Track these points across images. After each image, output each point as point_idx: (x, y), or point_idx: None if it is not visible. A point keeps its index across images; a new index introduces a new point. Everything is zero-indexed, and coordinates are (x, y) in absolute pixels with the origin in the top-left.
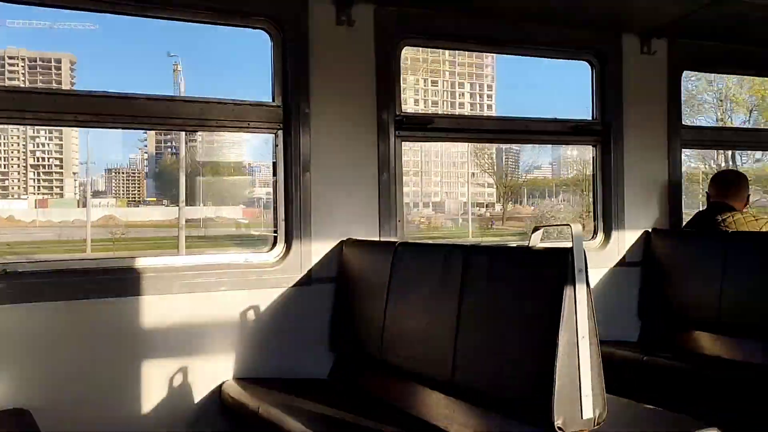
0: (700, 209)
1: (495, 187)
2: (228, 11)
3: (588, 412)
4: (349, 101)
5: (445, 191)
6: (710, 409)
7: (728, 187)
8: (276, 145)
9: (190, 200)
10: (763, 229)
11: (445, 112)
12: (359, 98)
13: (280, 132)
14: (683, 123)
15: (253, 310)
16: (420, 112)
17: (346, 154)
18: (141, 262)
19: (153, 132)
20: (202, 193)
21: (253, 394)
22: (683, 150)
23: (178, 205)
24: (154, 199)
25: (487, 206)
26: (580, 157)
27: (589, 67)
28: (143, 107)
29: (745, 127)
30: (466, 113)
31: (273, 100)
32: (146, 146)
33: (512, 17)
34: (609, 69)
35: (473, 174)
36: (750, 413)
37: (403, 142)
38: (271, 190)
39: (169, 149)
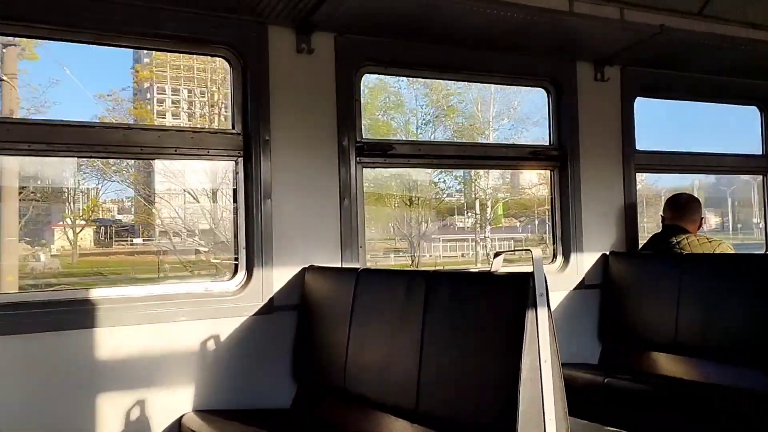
0: (656, 232)
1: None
2: (188, 39)
3: None
4: (309, 128)
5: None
6: (670, 429)
7: (682, 210)
8: (236, 173)
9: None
10: (716, 251)
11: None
12: (320, 125)
13: (240, 159)
14: (637, 148)
15: (214, 340)
16: (380, 138)
17: (308, 180)
18: (97, 294)
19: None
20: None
21: (214, 426)
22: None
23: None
24: None
25: None
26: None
27: (546, 93)
28: (99, 135)
29: (696, 151)
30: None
31: (233, 128)
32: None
33: (470, 45)
34: (565, 95)
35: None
36: None
37: (364, 169)
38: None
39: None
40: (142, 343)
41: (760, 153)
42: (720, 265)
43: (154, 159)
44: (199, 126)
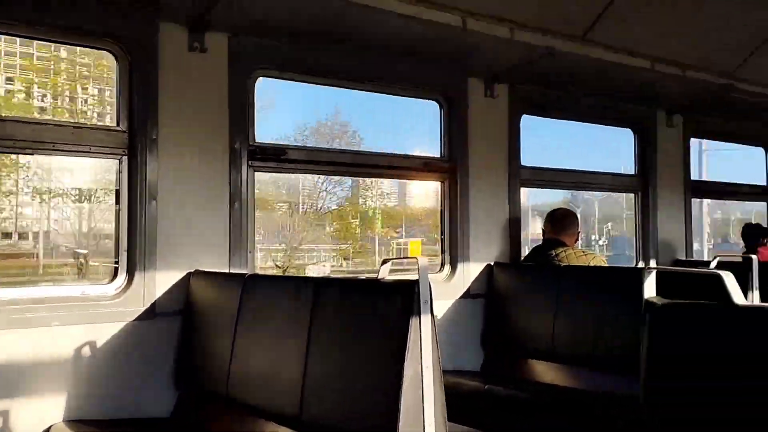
0: (538, 244)
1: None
2: (72, 30)
3: None
4: (200, 129)
5: None
6: None
7: (560, 224)
8: (120, 172)
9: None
10: (591, 264)
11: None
12: (211, 126)
13: (125, 158)
14: (522, 163)
15: (89, 346)
16: (274, 142)
17: (197, 182)
18: None
19: None
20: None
21: None
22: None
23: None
24: None
25: None
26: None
27: (438, 106)
28: None
29: (577, 169)
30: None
31: (118, 124)
32: None
33: (367, 55)
34: (456, 110)
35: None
36: None
37: (256, 173)
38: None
39: None
40: (9, 349)
41: (634, 173)
42: (594, 277)
43: (29, 154)
44: (81, 121)
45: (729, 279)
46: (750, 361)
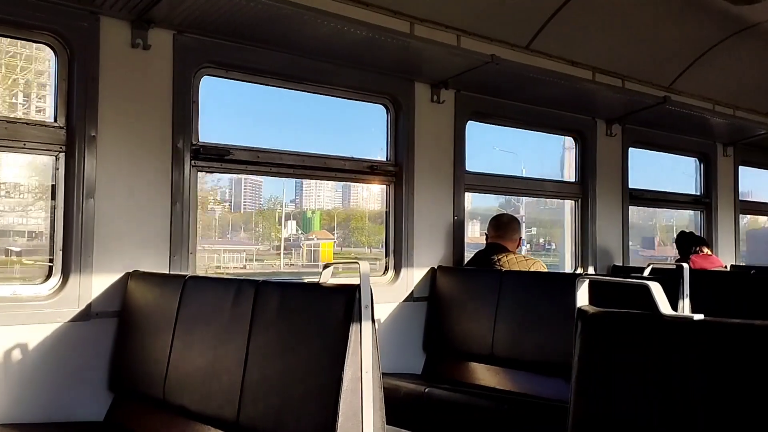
0: (481, 249)
1: None
2: (8, 21)
3: None
4: (142, 127)
5: None
6: None
7: (503, 229)
8: (56, 168)
9: None
10: (531, 269)
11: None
12: (153, 125)
13: (62, 155)
14: (467, 169)
15: (20, 348)
16: (218, 142)
17: (137, 181)
18: None
19: None
20: None
21: None
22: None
23: None
24: None
25: None
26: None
27: (385, 110)
28: None
29: (519, 175)
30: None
31: (55, 120)
32: None
33: (315, 57)
34: (402, 114)
35: None
36: None
37: (199, 173)
38: None
39: None
40: None
41: (575, 180)
42: (532, 283)
43: None
44: (13, 116)
45: (656, 289)
46: (675, 371)
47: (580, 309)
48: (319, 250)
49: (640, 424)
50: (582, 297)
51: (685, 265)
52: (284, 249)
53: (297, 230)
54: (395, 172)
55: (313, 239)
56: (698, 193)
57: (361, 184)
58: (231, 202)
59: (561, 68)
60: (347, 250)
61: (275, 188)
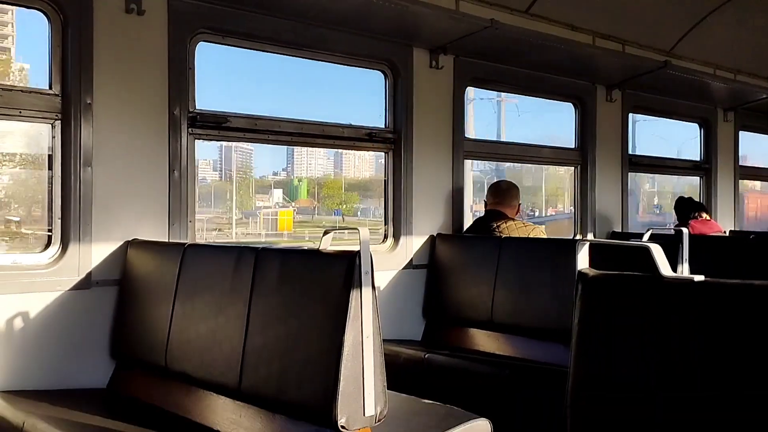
0: (480, 216)
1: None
2: None
3: (370, 410)
4: (138, 94)
5: None
6: (481, 401)
7: (503, 196)
8: (53, 137)
9: None
10: (530, 236)
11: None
12: (150, 92)
13: (58, 123)
14: (466, 135)
15: (21, 317)
16: (216, 110)
17: (134, 149)
18: None
19: None
20: None
21: (18, 407)
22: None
23: None
24: None
25: None
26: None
27: (383, 77)
28: None
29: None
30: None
31: (50, 88)
32: None
33: (312, 22)
34: (401, 80)
35: None
36: (517, 404)
37: (197, 140)
38: None
39: None
40: None
41: (574, 146)
42: (532, 249)
43: None
44: (8, 84)
45: (657, 251)
46: (675, 332)
47: (580, 272)
48: (277, 219)
49: (639, 385)
50: (582, 261)
51: (685, 230)
52: (246, 218)
53: (284, 199)
54: (394, 139)
55: (270, 208)
56: (698, 159)
57: (355, 152)
58: (222, 171)
59: (561, 33)
60: (319, 218)
61: (264, 156)
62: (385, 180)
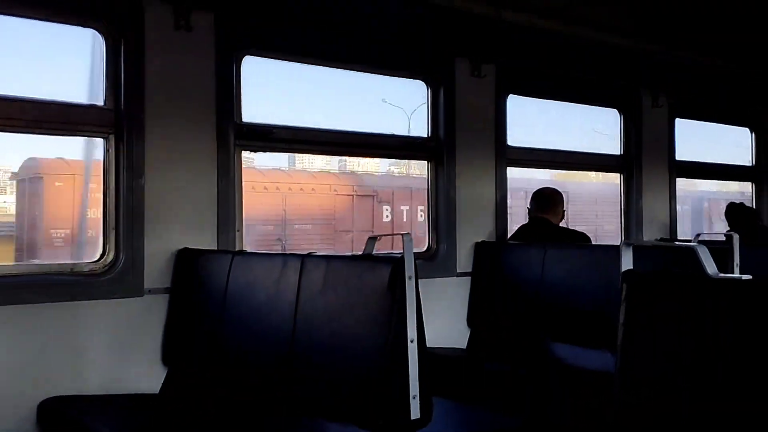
0: (524, 223)
1: None
2: (57, 7)
3: (416, 413)
4: (187, 108)
5: None
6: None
7: (546, 203)
8: (107, 150)
9: None
10: (576, 242)
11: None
12: (198, 105)
13: (111, 137)
14: (509, 143)
15: (77, 324)
16: (261, 122)
17: (184, 161)
18: None
19: None
20: None
21: (74, 412)
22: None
23: None
24: None
25: None
26: None
27: (425, 86)
28: None
29: (560, 149)
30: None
31: (104, 103)
32: None
33: (354, 35)
34: (443, 90)
35: None
36: (563, 411)
37: (243, 152)
38: None
39: None
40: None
41: (619, 153)
42: (576, 255)
43: (15, 132)
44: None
45: (703, 251)
46: (723, 332)
47: (625, 272)
48: None
49: (685, 386)
50: (626, 263)
51: (735, 235)
52: None
53: None
54: (436, 147)
55: None
56: (749, 164)
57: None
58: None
59: (601, 36)
60: None
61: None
62: (428, 188)
